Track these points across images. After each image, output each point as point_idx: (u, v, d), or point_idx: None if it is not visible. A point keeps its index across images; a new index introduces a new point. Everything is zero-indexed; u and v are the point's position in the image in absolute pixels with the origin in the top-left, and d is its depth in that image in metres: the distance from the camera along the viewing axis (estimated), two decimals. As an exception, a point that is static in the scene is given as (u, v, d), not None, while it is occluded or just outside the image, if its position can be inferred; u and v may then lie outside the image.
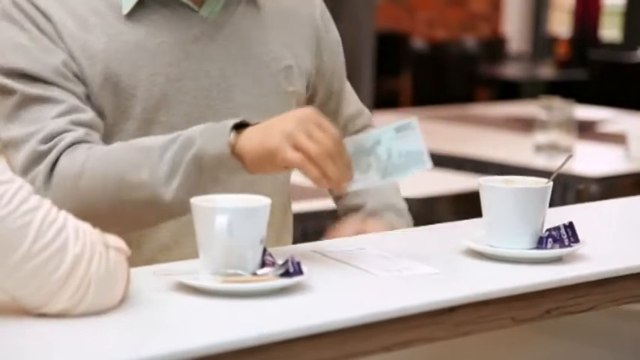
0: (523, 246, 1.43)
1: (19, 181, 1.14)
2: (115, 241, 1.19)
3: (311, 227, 2.63)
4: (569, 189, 3.25)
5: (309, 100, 1.70)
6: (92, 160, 1.45)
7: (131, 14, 1.53)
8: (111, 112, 1.52)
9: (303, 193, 2.61)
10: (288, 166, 1.37)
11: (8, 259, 1.11)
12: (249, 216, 1.27)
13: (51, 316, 1.14)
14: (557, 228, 1.44)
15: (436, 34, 8.02)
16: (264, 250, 1.30)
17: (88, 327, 1.13)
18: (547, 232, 1.44)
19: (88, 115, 1.50)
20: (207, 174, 1.40)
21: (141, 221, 1.48)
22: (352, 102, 1.77)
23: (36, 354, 1.06)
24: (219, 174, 1.40)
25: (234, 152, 1.39)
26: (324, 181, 1.35)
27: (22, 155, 1.47)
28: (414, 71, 7.22)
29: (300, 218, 2.60)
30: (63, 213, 1.16)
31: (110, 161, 1.44)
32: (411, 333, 1.25)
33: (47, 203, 1.15)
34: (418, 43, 7.44)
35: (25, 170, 1.46)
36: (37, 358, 1.05)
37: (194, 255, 1.54)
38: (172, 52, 1.54)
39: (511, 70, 7.49)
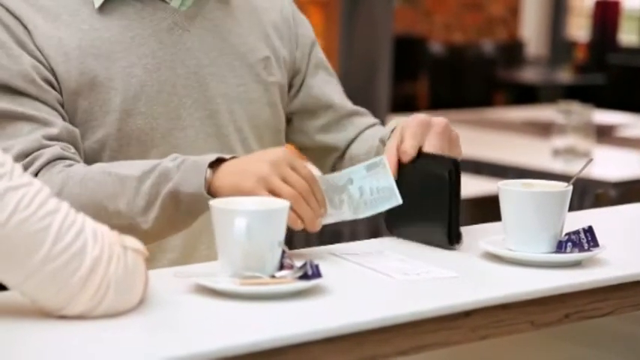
0: (542, 250, 1.42)
1: (37, 184, 1.15)
2: (132, 242, 1.20)
3: (314, 233, 2.62)
4: (587, 193, 3.24)
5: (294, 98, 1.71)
6: (69, 184, 1.45)
7: (103, 8, 1.54)
8: (89, 107, 1.53)
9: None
10: None
11: (28, 262, 1.12)
12: (268, 218, 1.27)
13: (70, 318, 1.14)
14: (577, 232, 1.43)
15: (453, 37, 8.01)
16: (283, 253, 1.30)
17: (107, 328, 1.13)
18: (566, 237, 1.43)
19: (57, 128, 1.49)
20: (182, 208, 1.43)
21: None
22: (348, 102, 1.76)
23: (56, 355, 1.06)
24: (194, 209, 1.43)
25: (210, 191, 1.41)
26: (298, 222, 1.38)
27: None
28: (431, 75, 7.21)
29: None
30: (81, 216, 1.16)
31: (87, 187, 1.45)
32: (427, 337, 1.24)
33: (66, 206, 1.15)
34: (435, 46, 7.43)
35: None
36: (56, 360, 1.05)
37: (187, 242, 1.57)
38: (147, 43, 1.55)
39: (529, 74, 7.47)
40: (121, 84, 1.53)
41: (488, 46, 7.62)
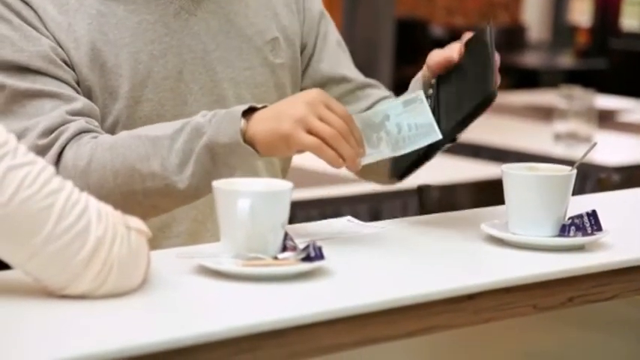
0: (546, 233, 1.42)
1: (41, 162, 1.14)
2: (136, 223, 1.19)
3: (315, 214, 2.63)
4: (589, 178, 3.23)
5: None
6: (99, 152, 1.44)
7: None
8: (100, 93, 1.52)
9: (305, 181, 2.60)
10: (302, 150, 1.39)
11: (31, 241, 1.11)
12: (271, 200, 1.27)
13: (73, 298, 1.14)
14: (580, 216, 1.43)
15: (455, 21, 7.99)
16: (286, 234, 1.29)
17: (110, 309, 1.13)
18: (570, 220, 1.43)
19: (80, 102, 1.49)
20: (219, 161, 1.41)
21: (155, 208, 1.48)
22: (359, 74, 1.71)
23: (57, 335, 1.06)
24: (231, 161, 1.41)
25: (246, 139, 1.40)
26: (340, 161, 1.37)
27: None
28: (432, 59, 7.17)
29: (303, 206, 2.60)
30: (85, 195, 1.16)
31: (118, 153, 1.44)
32: (431, 319, 1.24)
33: (69, 185, 1.15)
34: (437, 30, 7.41)
35: None
36: (59, 339, 1.05)
37: (192, 231, 1.56)
38: (154, 28, 1.54)
39: (530, 59, 7.46)
40: (128, 70, 1.52)
41: (489, 30, 7.59)
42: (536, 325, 1.62)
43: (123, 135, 1.46)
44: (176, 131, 1.43)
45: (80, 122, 1.47)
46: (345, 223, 1.53)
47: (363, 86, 1.70)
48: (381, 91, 1.72)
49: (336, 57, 1.70)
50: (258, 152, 1.40)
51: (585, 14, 8.59)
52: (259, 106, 1.42)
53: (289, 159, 1.70)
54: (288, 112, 1.38)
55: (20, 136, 1.45)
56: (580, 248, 1.42)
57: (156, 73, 1.54)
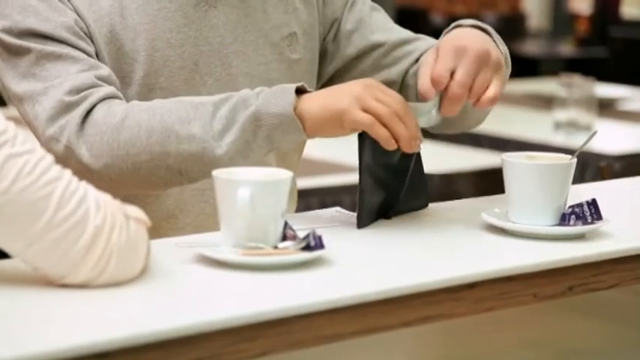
0: (546, 222, 1.42)
1: (40, 151, 1.14)
2: (135, 211, 1.19)
3: (314, 203, 2.63)
4: (589, 167, 3.23)
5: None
6: (135, 111, 1.42)
7: None
8: None
9: (305, 170, 2.59)
10: (355, 128, 1.39)
11: (30, 230, 1.11)
12: (272, 189, 1.27)
13: (72, 287, 1.14)
14: (580, 205, 1.42)
15: (455, 9, 7.97)
16: (286, 223, 1.29)
17: (110, 298, 1.13)
18: (570, 209, 1.43)
19: (106, 70, 1.48)
20: (261, 133, 1.40)
21: (180, 175, 1.43)
22: (396, 32, 1.65)
23: (57, 324, 1.06)
24: (275, 134, 1.40)
25: (296, 113, 1.39)
26: (392, 141, 1.37)
27: (45, 106, 1.43)
28: (432, 47, 7.16)
29: (302, 195, 2.59)
30: (83, 184, 1.15)
31: (156, 113, 1.42)
32: (431, 309, 1.24)
33: (68, 174, 1.15)
34: (437, 18, 7.40)
35: (52, 119, 1.43)
36: (58, 329, 1.05)
37: (199, 223, 1.55)
38: (173, 17, 1.53)
39: (530, 47, 7.44)
40: (144, 57, 1.51)
41: (489, 18, 7.58)
42: (537, 314, 1.62)
43: (160, 100, 1.45)
44: (221, 100, 1.42)
45: (110, 88, 1.46)
46: (334, 213, 1.52)
47: (399, 44, 1.64)
48: (424, 42, 1.65)
49: (364, 25, 1.64)
50: (306, 130, 1.39)
51: (585, 2, 8.57)
52: (309, 89, 1.42)
53: (299, 156, 1.68)
54: (344, 90, 1.39)
55: (44, 92, 1.43)
56: (580, 237, 1.41)
57: (172, 63, 1.53)
